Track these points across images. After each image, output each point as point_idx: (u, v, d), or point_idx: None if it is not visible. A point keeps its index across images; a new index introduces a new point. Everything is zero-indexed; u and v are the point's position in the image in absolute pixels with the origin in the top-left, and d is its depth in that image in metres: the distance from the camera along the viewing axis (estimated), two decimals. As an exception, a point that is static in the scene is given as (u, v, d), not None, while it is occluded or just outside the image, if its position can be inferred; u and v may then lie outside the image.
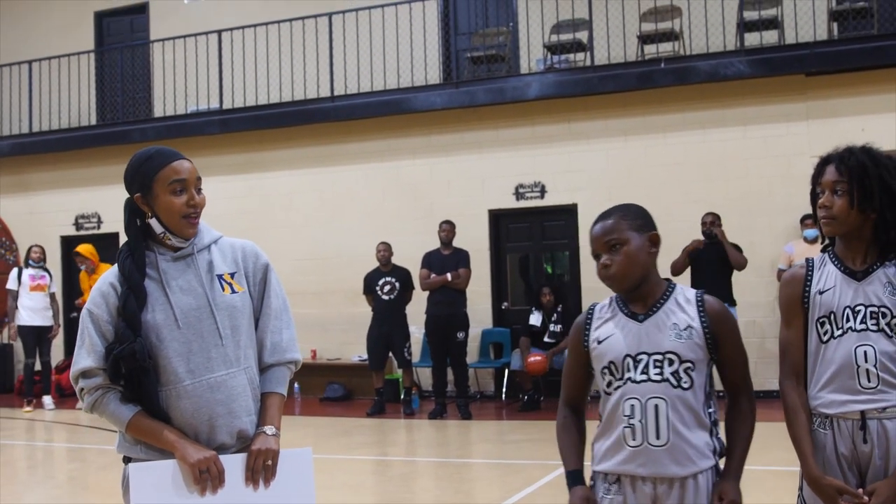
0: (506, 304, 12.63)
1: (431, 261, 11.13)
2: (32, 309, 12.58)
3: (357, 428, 10.72)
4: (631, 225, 2.89)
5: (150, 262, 2.94)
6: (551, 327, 11.24)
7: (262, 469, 2.88)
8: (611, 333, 2.89)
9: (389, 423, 11.04)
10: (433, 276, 10.98)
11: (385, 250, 11.51)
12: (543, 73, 12.23)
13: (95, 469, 8.50)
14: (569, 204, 12.19)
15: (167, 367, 2.86)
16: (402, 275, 11.46)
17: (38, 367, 12.95)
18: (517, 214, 12.58)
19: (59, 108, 15.05)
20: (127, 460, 2.96)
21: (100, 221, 14.87)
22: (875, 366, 2.85)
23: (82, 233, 14.90)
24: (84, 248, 12.13)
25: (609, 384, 2.86)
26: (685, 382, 2.79)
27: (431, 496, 7.40)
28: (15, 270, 12.93)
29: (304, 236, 13.13)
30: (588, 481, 2.94)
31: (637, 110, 11.85)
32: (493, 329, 12.48)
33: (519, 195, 12.43)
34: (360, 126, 12.97)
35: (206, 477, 2.80)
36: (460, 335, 10.96)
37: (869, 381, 2.86)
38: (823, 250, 3.11)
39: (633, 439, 2.78)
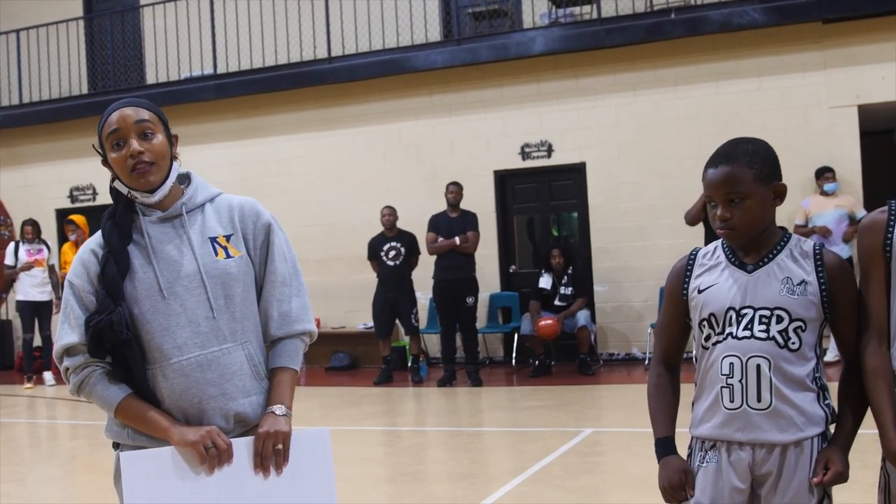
0: (513, 267, 12.27)
1: (438, 224, 10.74)
2: (30, 284, 12.30)
3: (365, 397, 10.41)
4: (757, 175, 2.53)
5: (135, 225, 2.63)
6: (561, 290, 10.91)
7: (271, 454, 2.55)
8: (714, 283, 2.62)
9: (397, 391, 10.72)
10: (440, 239, 10.60)
11: (390, 214, 11.13)
12: (548, 28, 11.77)
13: (98, 446, 8.19)
14: (577, 163, 11.80)
15: (151, 342, 2.55)
16: (408, 239, 11.09)
17: (37, 342, 12.70)
18: (523, 175, 12.18)
19: (50, 77, 14.64)
20: (116, 446, 2.67)
21: (95, 193, 14.50)
22: None
23: (77, 205, 14.54)
24: (78, 217, 11.86)
25: (707, 338, 2.59)
26: (793, 343, 2.52)
27: (445, 467, 7.08)
28: (11, 245, 12.61)
29: (305, 202, 12.72)
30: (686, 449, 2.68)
31: (647, 64, 11.41)
32: (501, 293, 12.14)
33: (525, 155, 12.02)
34: (360, 87, 12.54)
35: (214, 453, 2.47)
36: (469, 300, 10.61)
37: None
38: None
39: (731, 401, 2.53)
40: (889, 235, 2.56)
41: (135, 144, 2.52)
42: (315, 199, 12.76)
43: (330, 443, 2.64)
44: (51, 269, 12.51)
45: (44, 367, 12.72)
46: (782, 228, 2.64)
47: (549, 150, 11.91)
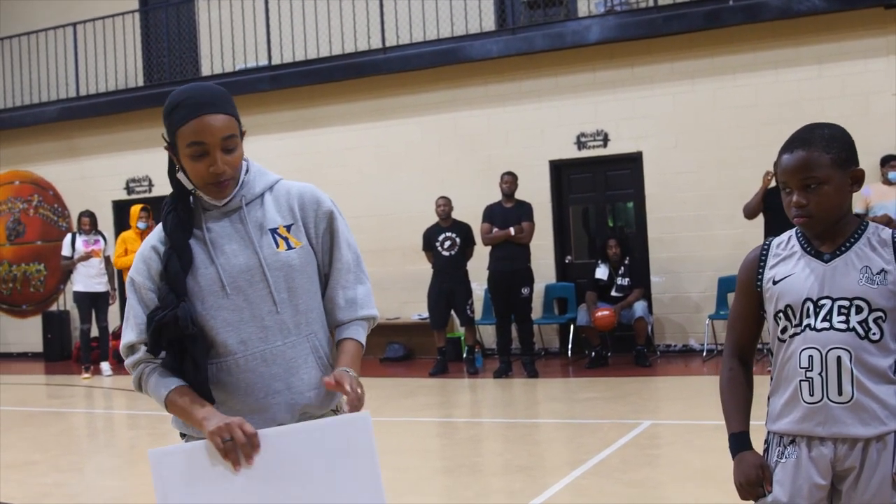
0: (569, 257, 12.24)
1: (493, 214, 10.74)
2: (87, 275, 12.49)
3: (420, 388, 10.46)
4: (834, 160, 2.48)
5: (195, 219, 2.60)
6: (618, 280, 10.87)
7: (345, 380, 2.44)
8: (790, 273, 2.56)
9: (453, 382, 10.76)
10: (495, 230, 10.60)
11: (445, 205, 11.14)
12: (604, 16, 11.71)
13: (156, 436, 8.33)
14: (633, 152, 11.73)
15: (215, 339, 2.53)
16: (463, 230, 11.10)
17: (94, 333, 12.90)
18: (579, 164, 12.13)
19: (106, 70, 14.85)
20: (183, 436, 2.66)
21: (151, 185, 14.69)
22: None
23: (133, 196, 14.74)
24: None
25: (784, 330, 2.54)
26: (874, 333, 2.45)
27: (502, 459, 7.10)
28: (69, 237, 12.83)
29: (360, 193, 12.74)
30: (762, 444, 2.64)
31: (704, 51, 11.29)
32: (557, 284, 12.11)
33: (581, 144, 11.97)
34: (414, 77, 12.55)
35: (231, 446, 2.35)
36: (525, 291, 10.59)
37: None
38: None
39: (811, 395, 2.48)
40: None
41: (219, 161, 2.48)
42: (370, 189, 12.81)
43: (372, 428, 2.41)
44: (107, 259, 12.70)
45: (101, 358, 12.89)
46: (858, 216, 2.59)
47: (605, 140, 11.85)
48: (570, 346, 11.67)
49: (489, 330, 11.88)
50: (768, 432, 2.63)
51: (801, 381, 2.49)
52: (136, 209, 12.32)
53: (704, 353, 11.04)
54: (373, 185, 12.84)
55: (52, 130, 15.18)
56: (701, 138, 11.29)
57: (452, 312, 11.30)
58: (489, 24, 12.59)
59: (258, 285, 2.54)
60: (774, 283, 2.58)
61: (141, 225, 12.11)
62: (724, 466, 6.03)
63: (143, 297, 2.55)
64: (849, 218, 2.56)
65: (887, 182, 10.17)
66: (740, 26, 11.00)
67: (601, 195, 12.23)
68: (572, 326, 11.52)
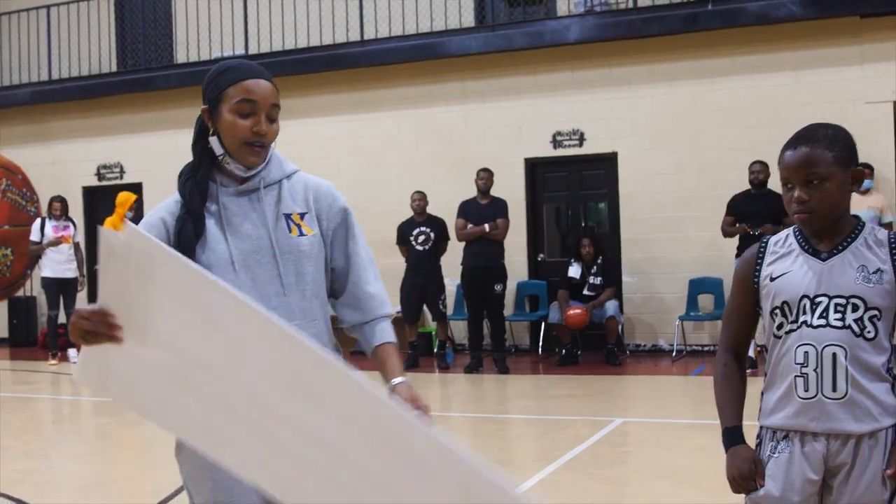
0: (542, 255, 12.34)
1: (468, 210, 10.82)
2: (56, 260, 12.42)
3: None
4: (836, 158, 2.55)
5: (210, 193, 2.61)
6: (591, 279, 10.97)
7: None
8: (787, 270, 2.62)
9: (423, 377, 10.81)
10: (470, 226, 10.69)
11: (420, 199, 11.21)
12: (583, 16, 11.81)
13: (125, 424, 8.33)
14: (609, 152, 11.86)
15: None
16: (438, 225, 11.17)
17: (62, 319, 12.83)
18: (555, 163, 12.24)
19: (80, 54, 14.75)
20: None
21: (122, 171, 14.65)
22: None
23: (104, 183, 14.70)
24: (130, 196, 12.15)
25: (780, 327, 2.60)
26: (869, 332, 2.52)
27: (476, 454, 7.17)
28: (38, 222, 12.71)
29: (336, 185, 12.73)
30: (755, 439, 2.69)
31: (683, 54, 11.43)
32: (529, 281, 12.21)
33: (557, 143, 12.08)
34: (392, 71, 12.62)
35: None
36: (498, 287, 10.69)
37: None
38: None
39: (806, 390, 2.54)
40: None
41: (264, 123, 2.53)
42: (345, 182, 12.66)
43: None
44: (76, 245, 12.64)
45: (68, 345, 12.82)
46: (856, 217, 2.65)
47: (581, 139, 11.97)
48: (540, 343, 11.77)
49: (460, 325, 11.97)
50: (761, 427, 2.68)
51: (796, 376, 2.54)
52: (129, 197, 12.23)
53: (674, 354, 11.18)
54: (348, 177, 12.80)
55: (23, 114, 15.06)
56: (677, 141, 11.42)
57: (424, 307, 11.37)
58: (469, 20, 12.67)
59: (267, 266, 2.57)
60: (772, 279, 2.64)
61: (129, 215, 12.09)
62: (695, 465, 6.20)
63: None
64: (847, 217, 2.62)
65: (860, 191, 10.33)
66: (719, 30, 11.14)
67: (576, 194, 12.35)
68: (543, 324, 11.63)
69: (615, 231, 11.86)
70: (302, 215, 2.66)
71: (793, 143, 2.60)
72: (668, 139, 11.47)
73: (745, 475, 2.63)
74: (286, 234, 2.61)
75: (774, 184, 9.90)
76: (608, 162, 11.90)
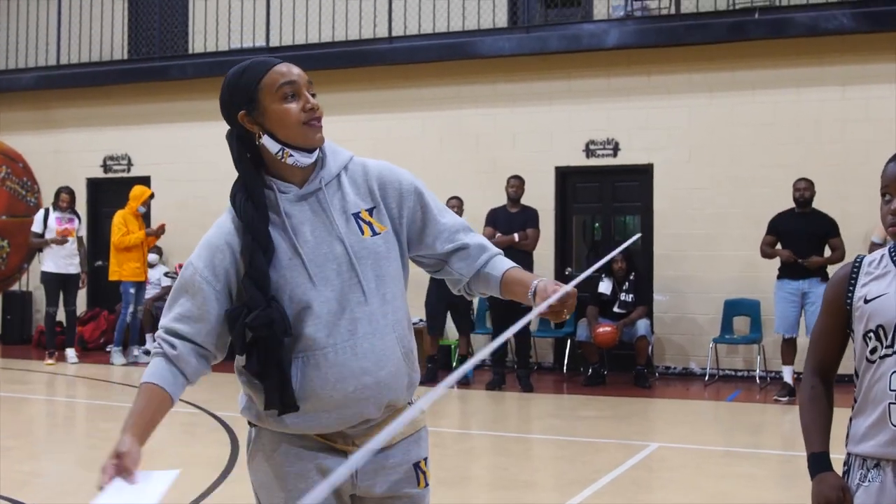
0: (570, 269, 12.33)
1: (497, 219, 10.83)
2: (59, 255, 12.40)
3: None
4: None
5: (269, 203, 2.53)
6: (622, 296, 10.96)
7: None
8: (883, 293, 2.60)
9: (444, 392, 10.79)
10: (498, 235, 10.69)
11: (457, 206, 11.17)
12: (623, 20, 11.86)
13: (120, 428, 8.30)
14: (644, 164, 11.88)
15: (302, 332, 2.48)
16: (472, 235, 11.13)
17: (60, 316, 12.80)
18: (587, 173, 12.26)
19: (91, 40, 14.75)
20: (252, 426, 2.68)
21: (130, 164, 14.65)
22: None
23: (110, 175, 14.71)
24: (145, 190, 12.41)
25: (873, 351, 2.59)
26: None
27: (508, 474, 7.17)
28: (41, 212, 12.74)
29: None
30: (842, 466, 2.68)
31: (725, 64, 11.47)
32: (555, 296, 12.18)
33: (590, 152, 12.10)
34: (420, 70, 12.65)
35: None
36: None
37: None
38: None
39: None
40: None
41: (312, 98, 2.51)
42: (366, 184, 12.82)
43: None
44: (79, 240, 12.63)
45: (66, 344, 12.78)
46: (875, 244, 2.69)
47: (616, 149, 11.98)
48: (565, 361, 11.76)
49: (481, 340, 11.95)
50: (849, 454, 2.67)
51: (890, 403, 2.53)
52: (144, 192, 12.34)
53: (707, 378, 11.17)
54: (368, 180, 12.86)
55: (27, 99, 15.09)
56: (715, 154, 11.43)
57: (448, 318, 11.37)
58: (502, 20, 12.70)
59: (346, 275, 2.51)
60: (866, 301, 2.62)
61: (142, 209, 12.21)
62: (739, 492, 6.19)
63: (201, 291, 2.50)
64: None
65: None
66: (764, 41, 11.17)
67: (608, 206, 12.35)
68: (569, 341, 11.61)
69: (648, 247, 11.85)
70: (370, 210, 2.60)
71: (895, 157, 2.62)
72: (706, 152, 11.48)
73: (833, 503, 2.60)
74: (359, 236, 2.56)
75: (819, 203, 9.99)
76: (643, 174, 11.92)
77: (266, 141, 2.50)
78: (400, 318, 2.62)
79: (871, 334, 2.59)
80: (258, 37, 13.56)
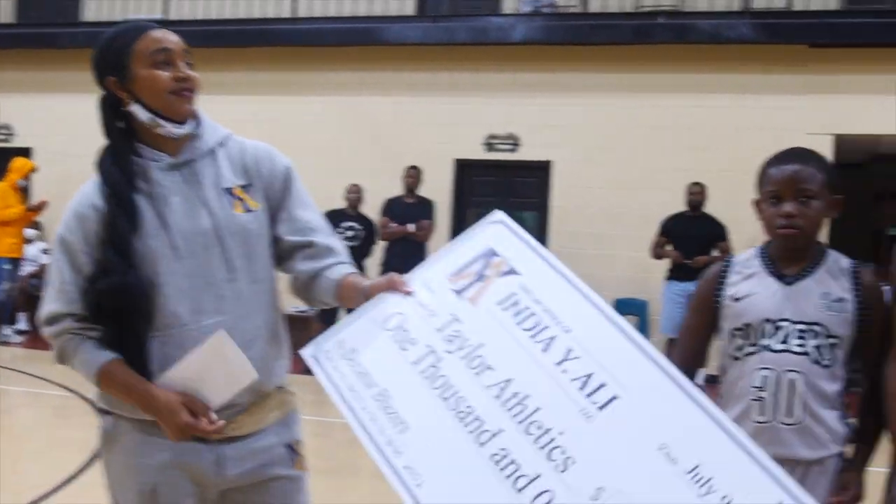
0: (463, 262, 12.44)
1: (393, 209, 10.88)
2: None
3: (296, 385, 10.46)
4: (825, 181, 2.73)
5: (138, 170, 2.46)
6: (516, 292, 11.08)
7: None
8: (752, 292, 2.74)
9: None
10: (392, 224, 10.74)
11: (355, 192, 11.19)
12: (530, 16, 12.00)
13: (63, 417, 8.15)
14: (542, 160, 12.04)
15: (165, 306, 2.40)
16: (368, 224, 11.12)
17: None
18: (486, 167, 12.38)
19: (-24, 1, 14.35)
20: (108, 414, 2.56)
21: (11, 134, 14.26)
22: None
23: (-9, 144, 14.30)
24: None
25: (739, 348, 2.72)
26: (827, 359, 2.67)
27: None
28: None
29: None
30: None
31: (629, 66, 11.67)
32: (448, 288, 12.28)
33: (490, 146, 12.23)
34: (323, 53, 12.58)
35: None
36: (418, 291, 10.74)
37: None
38: None
39: (762, 414, 2.67)
40: None
41: (185, 68, 2.46)
42: (260, 166, 12.74)
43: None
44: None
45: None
46: (819, 243, 2.80)
47: (516, 145, 12.13)
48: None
49: (371, 329, 11.95)
50: None
51: (752, 400, 2.68)
52: (25, 164, 11.95)
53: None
54: (264, 162, 12.78)
55: None
56: (614, 155, 11.65)
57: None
58: (409, 8, 12.76)
59: (214, 250, 2.46)
60: (735, 300, 2.76)
61: (22, 182, 11.81)
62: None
63: (76, 262, 2.43)
64: (814, 243, 2.78)
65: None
66: (667, 45, 11.43)
67: (505, 201, 12.41)
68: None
69: (542, 243, 11.96)
70: (244, 187, 2.56)
71: (785, 158, 2.76)
72: (605, 152, 11.69)
73: None
74: (230, 212, 2.50)
75: (711, 207, 10.28)
76: (541, 171, 12.08)
77: (135, 108, 2.46)
78: (268, 301, 2.57)
79: (739, 332, 2.73)
80: (155, 7, 13.34)
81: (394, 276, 2.55)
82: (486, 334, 2.40)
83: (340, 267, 2.63)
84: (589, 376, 2.25)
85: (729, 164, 11.17)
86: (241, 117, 12.81)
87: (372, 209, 11.13)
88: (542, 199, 12.09)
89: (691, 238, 10.22)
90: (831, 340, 2.66)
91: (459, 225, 12.42)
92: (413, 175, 10.97)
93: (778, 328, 2.68)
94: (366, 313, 2.49)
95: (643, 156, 11.52)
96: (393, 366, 2.41)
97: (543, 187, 12.08)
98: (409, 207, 10.88)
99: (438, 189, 11.90)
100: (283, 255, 2.64)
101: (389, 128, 12.48)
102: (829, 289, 2.70)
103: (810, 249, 2.76)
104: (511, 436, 2.22)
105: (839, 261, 2.76)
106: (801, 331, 2.66)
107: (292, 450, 2.65)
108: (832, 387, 2.66)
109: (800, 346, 2.65)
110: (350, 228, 11.08)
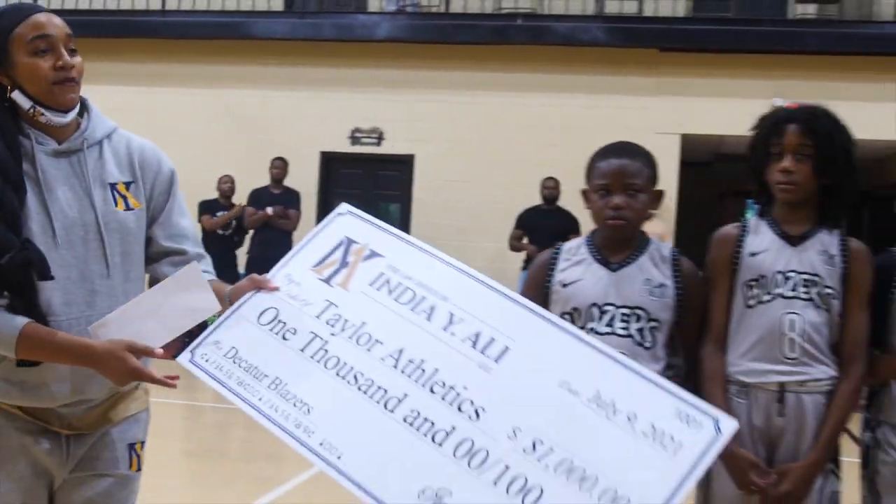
0: (328, 252, 12.83)
1: (260, 199, 11.22)
2: None
3: (166, 368, 10.63)
4: (650, 176, 2.93)
5: (24, 152, 2.40)
6: (378, 282, 11.48)
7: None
8: (579, 278, 2.90)
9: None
10: (261, 212, 11.09)
11: (228, 182, 11.51)
12: (395, 14, 12.46)
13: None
14: (406, 154, 12.51)
15: (39, 294, 2.35)
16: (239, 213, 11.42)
17: None
18: (351, 160, 12.79)
19: None
20: None
21: None
22: (801, 336, 2.87)
23: None
24: None
25: None
26: (648, 341, 2.83)
27: (251, 446, 7.35)
28: None
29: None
30: None
31: (488, 65, 12.18)
32: (315, 275, 12.63)
33: (355, 140, 12.64)
34: (192, 46, 12.80)
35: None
36: (283, 279, 11.05)
37: (792, 351, 2.88)
38: (761, 214, 3.09)
39: None
40: (738, 250, 2.99)
41: (66, 56, 2.40)
42: (128, 156, 12.89)
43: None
44: None
45: None
46: (643, 233, 2.99)
47: (380, 139, 12.57)
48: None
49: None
50: None
51: None
52: None
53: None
54: (133, 152, 12.92)
55: None
56: (474, 150, 12.15)
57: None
58: (277, 3, 13.06)
59: (92, 243, 2.43)
60: (564, 285, 2.90)
61: None
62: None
63: None
64: (638, 233, 2.96)
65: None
66: (525, 46, 11.99)
67: (369, 193, 12.89)
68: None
69: (405, 233, 12.45)
70: (128, 185, 2.53)
71: (613, 152, 2.95)
72: (465, 148, 12.18)
73: None
74: (112, 207, 2.48)
75: (566, 202, 10.88)
76: (405, 164, 12.55)
77: (17, 96, 2.41)
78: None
79: (568, 316, 2.84)
80: (25, -5, 13.32)
81: (254, 276, 2.61)
82: (366, 313, 2.52)
83: (204, 274, 2.60)
84: (477, 334, 2.42)
85: (582, 161, 11.71)
86: (112, 107, 12.77)
87: (240, 200, 11.44)
88: (406, 191, 12.57)
89: (546, 231, 10.73)
90: (653, 324, 2.83)
91: (325, 215, 12.73)
92: (279, 167, 11.34)
93: (604, 312, 2.84)
94: (236, 314, 2.55)
95: (502, 151, 12.04)
96: (280, 356, 2.47)
97: (407, 180, 12.55)
98: (276, 198, 11.23)
99: (305, 181, 12.26)
100: (152, 257, 2.63)
101: (258, 121, 12.78)
102: (652, 275, 2.88)
103: (635, 238, 2.92)
104: (417, 398, 2.33)
105: (661, 249, 2.94)
106: (624, 314, 2.83)
107: (133, 450, 2.62)
108: (654, 367, 2.71)
109: (623, 328, 2.82)
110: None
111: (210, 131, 12.87)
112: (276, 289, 2.58)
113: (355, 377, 2.39)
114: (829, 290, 2.91)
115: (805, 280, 2.91)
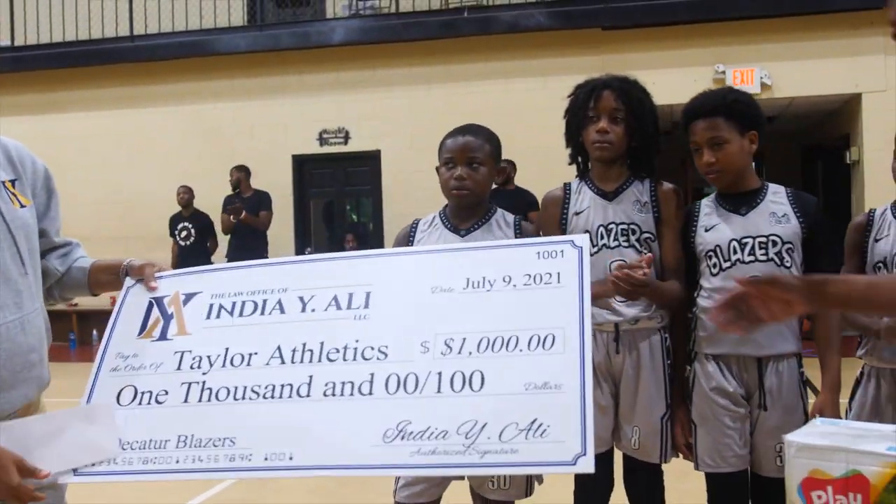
0: (309, 249, 13.59)
1: (231, 205, 12.00)
2: None
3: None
4: (491, 151, 3.30)
5: None
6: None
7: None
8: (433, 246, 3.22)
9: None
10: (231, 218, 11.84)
11: (185, 193, 12.26)
12: (348, 19, 13.25)
13: None
14: (372, 150, 13.30)
15: None
16: (201, 220, 12.27)
17: None
18: (321, 160, 13.60)
19: None
20: None
21: None
22: None
23: None
24: None
25: None
26: None
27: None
28: None
29: (102, 180, 13.73)
30: None
31: (440, 59, 12.96)
32: (296, 275, 13.45)
33: (323, 141, 13.46)
34: (161, 67, 13.63)
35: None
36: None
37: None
38: (581, 177, 3.45)
39: None
40: (565, 211, 3.37)
41: None
42: (112, 177, 13.81)
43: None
44: None
45: None
46: (491, 202, 3.35)
47: (347, 137, 13.39)
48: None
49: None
50: None
51: None
52: None
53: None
54: (115, 172, 13.79)
55: None
56: (434, 141, 12.73)
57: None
58: (238, 18, 13.87)
59: (5, 243, 2.39)
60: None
61: None
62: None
63: None
64: (485, 202, 3.31)
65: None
66: (473, 37, 12.73)
67: (341, 190, 13.79)
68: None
69: (379, 225, 13.32)
70: (13, 182, 2.49)
71: (459, 131, 3.31)
72: (426, 139, 12.64)
73: None
74: (10, 206, 2.44)
75: (522, 181, 11.63)
76: (372, 159, 13.36)
77: None
78: (42, 296, 2.58)
79: None
80: (3, 34, 14.21)
81: (151, 262, 2.72)
82: (222, 341, 2.53)
83: (87, 258, 2.74)
84: (335, 297, 2.54)
85: (536, 142, 12.52)
86: (89, 132, 13.92)
87: (218, 208, 12.28)
88: (376, 185, 13.38)
89: (506, 210, 11.52)
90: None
91: (302, 215, 13.68)
92: (234, 174, 12.16)
93: None
94: (88, 415, 2.49)
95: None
96: (167, 418, 2.44)
97: (375, 174, 13.36)
98: (247, 201, 12.03)
99: (279, 184, 13.12)
100: (41, 252, 2.64)
101: (228, 132, 13.62)
102: (497, 238, 3.20)
103: (480, 207, 3.25)
104: (323, 372, 2.41)
105: (505, 216, 3.28)
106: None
107: None
108: None
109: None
110: (184, 229, 12.24)
111: (183, 146, 13.73)
112: (156, 288, 2.67)
113: (254, 391, 2.41)
114: (647, 235, 3.31)
115: (623, 230, 3.30)
